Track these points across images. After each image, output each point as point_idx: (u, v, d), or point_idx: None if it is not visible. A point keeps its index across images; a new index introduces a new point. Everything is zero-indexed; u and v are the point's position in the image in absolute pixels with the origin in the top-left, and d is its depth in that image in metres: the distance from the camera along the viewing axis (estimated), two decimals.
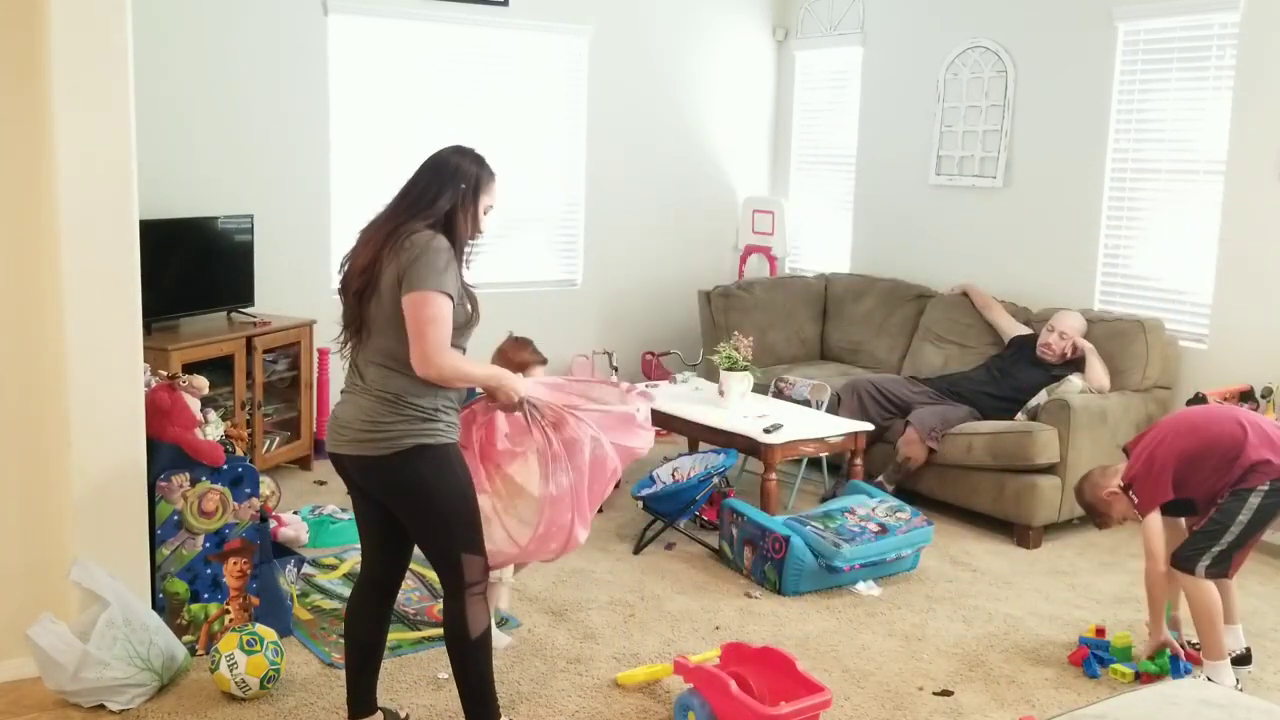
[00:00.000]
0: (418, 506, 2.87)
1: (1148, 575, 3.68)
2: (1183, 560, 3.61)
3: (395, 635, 3.81)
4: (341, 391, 2.96)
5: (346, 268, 2.91)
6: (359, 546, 4.57)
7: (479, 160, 3.01)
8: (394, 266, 2.76)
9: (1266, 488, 3.56)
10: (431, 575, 4.34)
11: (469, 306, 2.93)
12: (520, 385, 3.02)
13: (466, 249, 2.96)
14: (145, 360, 3.56)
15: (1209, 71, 5.24)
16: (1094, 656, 3.77)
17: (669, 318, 7.27)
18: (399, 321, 2.76)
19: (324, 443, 5.94)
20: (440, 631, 3.75)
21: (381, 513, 2.97)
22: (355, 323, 2.86)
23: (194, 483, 3.57)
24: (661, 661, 3.64)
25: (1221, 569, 3.63)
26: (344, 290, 2.90)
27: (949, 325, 6.02)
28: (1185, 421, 3.77)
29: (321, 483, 5.49)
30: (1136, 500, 3.69)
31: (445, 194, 2.90)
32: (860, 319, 6.53)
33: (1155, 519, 3.64)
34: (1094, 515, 3.91)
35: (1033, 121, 5.96)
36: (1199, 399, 4.95)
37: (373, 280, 2.79)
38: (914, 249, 6.59)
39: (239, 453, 3.85)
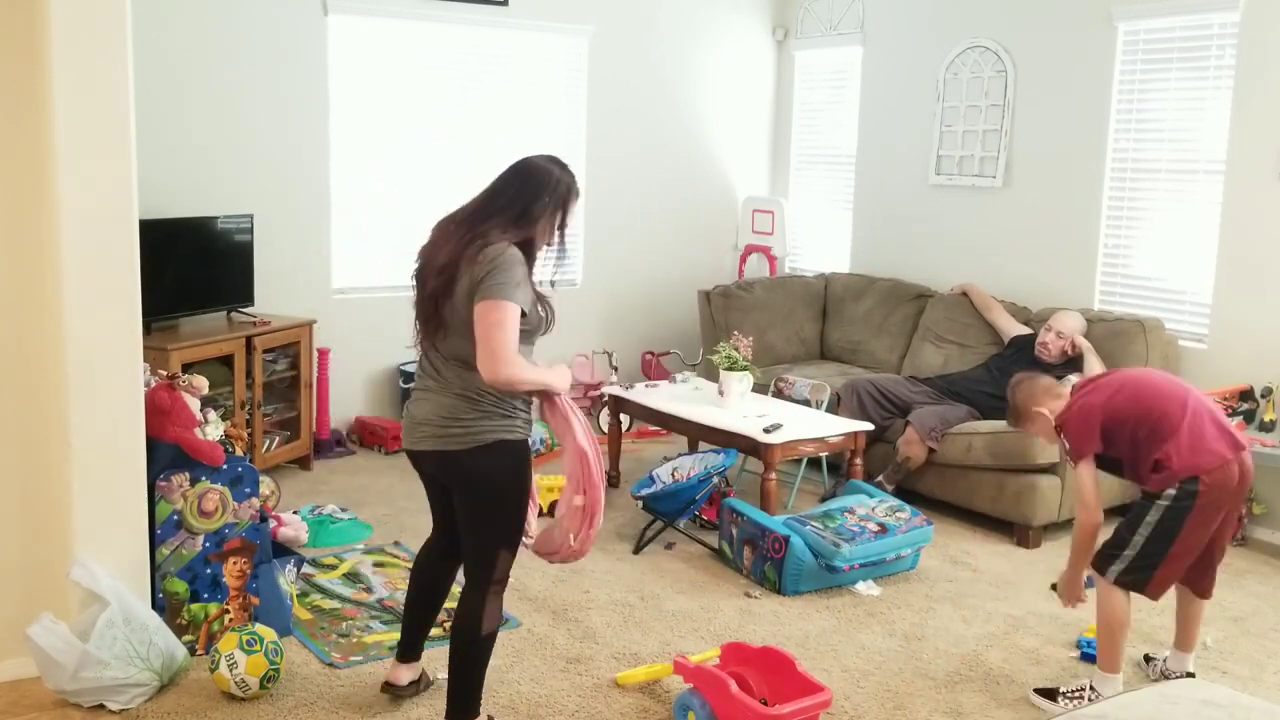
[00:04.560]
0: (482, 498, 2.97)
1: (1081, 525, 3.45)
2: (1096, 561, 3.45)
3: (395, 635, 3.80)
4: (415, 390, 3.04)
5: (423, 263, 2.97)
6: (358, 547, 4.61)
7: (571, 175, 3.05)
8: (469, 277, 2.83)
9: (1174, 492, 3.30)
10: None
11: (541, 311, 3.01)
12: (562, 381, 3.09)
13: (543, 257, 3.06)
14: (145, 360, 3.56)
15: (1209, 71, 5.24)
16: (1086, 656, 3.78)
17: (669, 318, 7.28)
18: (473, 327, 2.83)
19: (324, 443, 5.99)
20: (441, 631, 3.76)
21: (450, 499, 3.09)
22: (432, 320, 2.92)
23: (194, 482, 3.56)
24: (661, 661, 3.64)
25: (1139, 580, 3.37)
26: (419, 285, 2.97)
27: (949, 325, 6.02)
28: (1133, 382, 3.48)
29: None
30: (1069, 446, 3.44)
31: (535, 204, 2.95)
32: (860, 319, 6.53)
33: (1088, 468, 3.40)
34: (1012, 416, 3.68)
35: (1033, 121, 5.96)
36: None
37: (450, 283, 2.86)
38: (914, 249, 6.59)
39: (239, 453, 3.84)
